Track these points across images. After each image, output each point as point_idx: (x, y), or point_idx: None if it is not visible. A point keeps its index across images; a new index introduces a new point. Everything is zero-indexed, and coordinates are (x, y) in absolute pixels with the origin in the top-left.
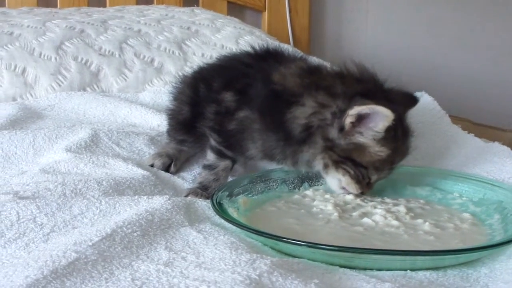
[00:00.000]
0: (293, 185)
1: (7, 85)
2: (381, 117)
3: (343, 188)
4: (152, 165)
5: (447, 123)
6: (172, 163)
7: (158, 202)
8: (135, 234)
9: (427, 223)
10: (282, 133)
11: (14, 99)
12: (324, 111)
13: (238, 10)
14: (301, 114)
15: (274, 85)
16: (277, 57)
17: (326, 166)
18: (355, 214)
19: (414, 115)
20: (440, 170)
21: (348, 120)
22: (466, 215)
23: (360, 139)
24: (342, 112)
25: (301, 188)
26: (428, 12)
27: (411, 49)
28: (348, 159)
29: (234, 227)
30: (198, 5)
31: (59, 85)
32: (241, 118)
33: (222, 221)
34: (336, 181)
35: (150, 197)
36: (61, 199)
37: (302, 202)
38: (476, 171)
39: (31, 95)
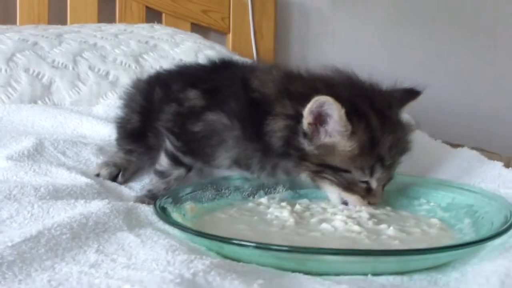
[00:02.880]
0: (247, 193)
1: None
2: (330, 106)
3: (345, 202)
4: (98, 175)
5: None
6: (120, 173)
7: (96, 206)
8: (64, 236)
9: (391, 228)
10: (262, 144)
11: None
12: (291, 120)
13: (202, 32)
14: (276, 127)
15: (252, 92)
16: (233, 66)
17: (313, 180)
18: (313, 220)
19: None
20: (405, 177)
21: (305, 122)
22: (434, 220)
23: (327, 139)
24: (302, 117)
25: (255, 196)
26: (395, 33)
27: (377, 70)
28: (323, 165)
29: (177, 233)
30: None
31: (9, 98)
32: (209, 121)
33: (166, 227)
34: (333, 194)
35: (88, 201)
36: None
37: (256, 210)
38: (444, 177)
39: None
